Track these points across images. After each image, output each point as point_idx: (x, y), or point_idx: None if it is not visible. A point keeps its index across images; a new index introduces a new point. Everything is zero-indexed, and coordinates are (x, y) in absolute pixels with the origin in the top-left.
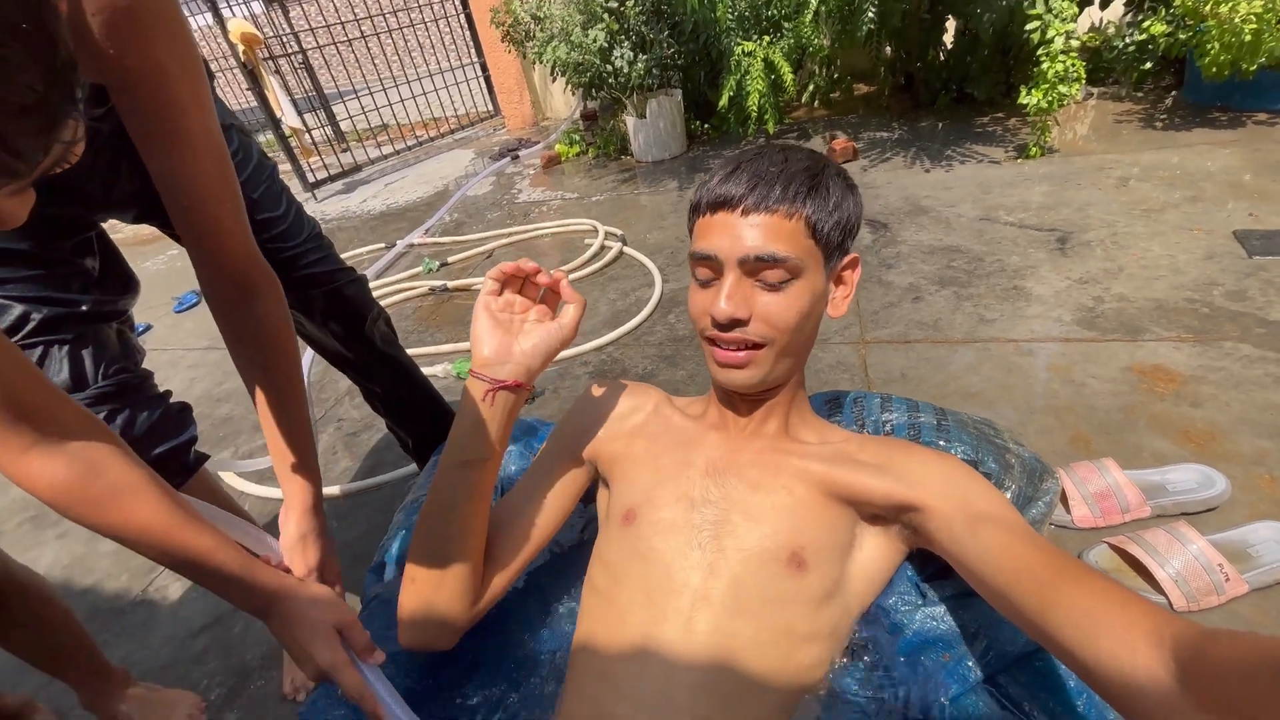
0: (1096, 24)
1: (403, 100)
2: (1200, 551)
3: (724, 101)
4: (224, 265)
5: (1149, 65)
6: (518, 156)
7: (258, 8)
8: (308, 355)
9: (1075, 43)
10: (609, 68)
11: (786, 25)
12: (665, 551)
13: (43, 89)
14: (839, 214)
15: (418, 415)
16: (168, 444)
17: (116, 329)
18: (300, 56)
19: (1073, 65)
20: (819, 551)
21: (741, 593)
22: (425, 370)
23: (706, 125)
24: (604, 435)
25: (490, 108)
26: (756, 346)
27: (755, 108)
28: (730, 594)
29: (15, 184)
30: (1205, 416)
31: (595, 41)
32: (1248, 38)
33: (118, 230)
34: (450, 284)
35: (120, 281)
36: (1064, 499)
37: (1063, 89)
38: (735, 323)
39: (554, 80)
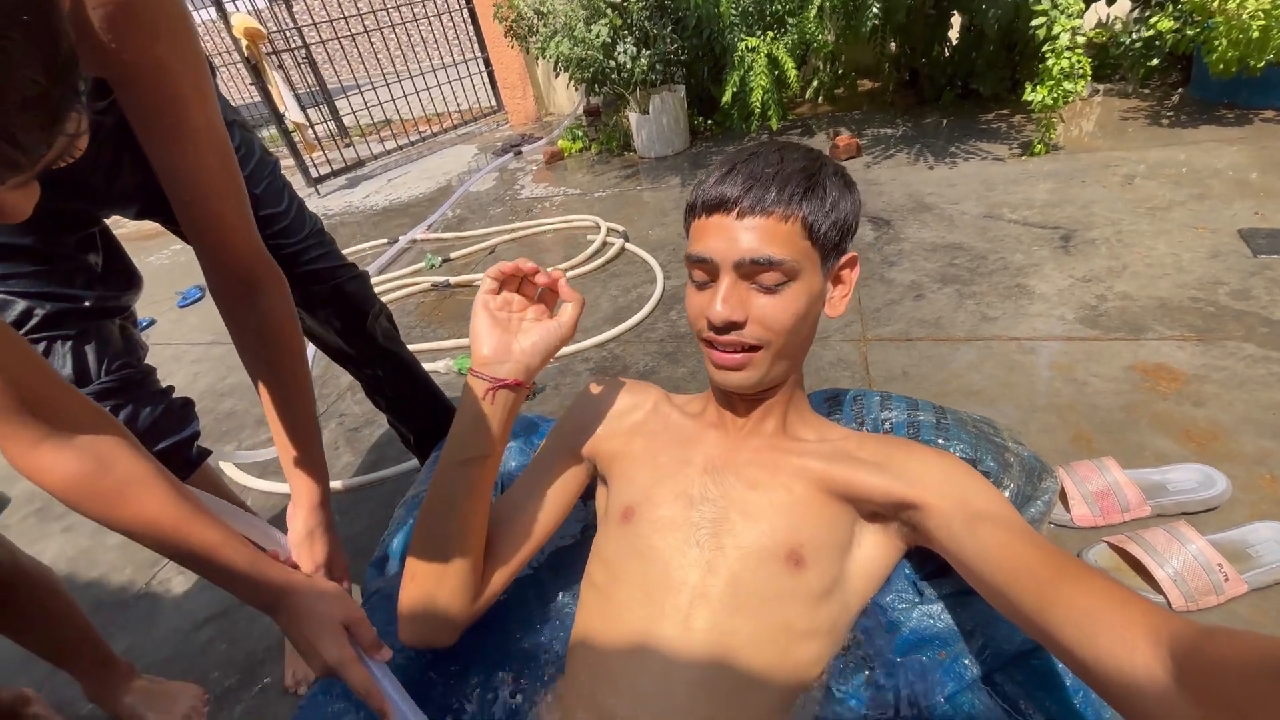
0: (1103, 20)
1: (406, 95)
2: (1199, 551)
3: (727, 97)
4: (228, 261)
5: (1156, 62)
6: (520, 152)
7: (261, 2)
8: (309, 351)
9: (1081, 39)
10: (612, 63)
11: (790, 20)
12: (663, 549)
13: (45, 81)
14: (836, 214)
15: (419, 411)
16: (170, 439)
17: (119, 324)
18: (303, 51)
19: (1078, 62)
20: (817, 549)
21: (740, 590)
22: (427, 366)
23: (710, 121)
24: (603, 433)
25: (493, 103)
26: (753, 349)
27: (759, 104)
28: (728, 591)
29: (18, 177)
30: (1208, 416)
31: (598, 37)
32: (1256, 34)
33: (121, 225)
34: (452, 280)
35: (123, 277)
36: (1064, 498)
37: (1068, 86)
38: (731, 326)
39: (557, 76)
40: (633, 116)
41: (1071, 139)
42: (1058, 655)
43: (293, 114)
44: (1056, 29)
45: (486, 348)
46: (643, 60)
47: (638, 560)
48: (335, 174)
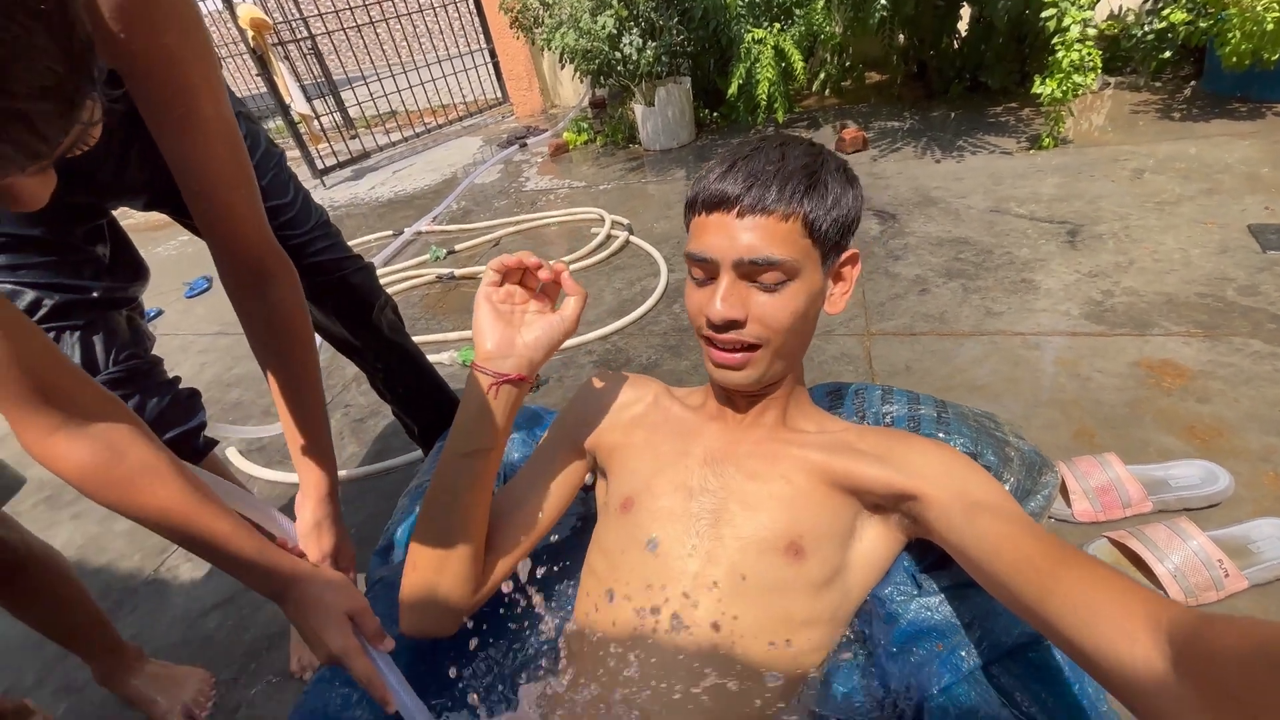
0: (1116, 11)
1: (411, 87)
2: (1200, 547)
3: (733, 90)
4: (238, 251)
5: (1168, 54)
6: (525, 144)
7: None
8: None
9: (1092, 31)
10: (618, 55)
11: (798, 12)
12: (663, 540)
13: (63, 69)
14: (837, 211)
15: (424, 403)
16: (177, 429)
17: (126, 315)
18: (309, 42)
19: (1089, 54)
20: (818, 540)
21: (739, 581)
22: (431, 357)
23: (715, 114)
24: (604, 425)
25: (499, 95)
26: (752, 347)
27: (765, 96)
28: (728, 582)
29: (37, 164)
30: (1212, 412)
31: (604, 28)
32: (1270, 27)
33: (129, 217)
34: (457, 272)
35: (130, 268)
36: (1065, 493)
37: (1078, 79)
38: (731, 324)
39: (562, 67)
40: (638, 109)
41: (1081, 132)
42: (1058, 644)
43: (298, 105)
44: (1067, 21)
45: (490, 342)
46: (648, 52)
47: (637, 550)
48: (341, 165)
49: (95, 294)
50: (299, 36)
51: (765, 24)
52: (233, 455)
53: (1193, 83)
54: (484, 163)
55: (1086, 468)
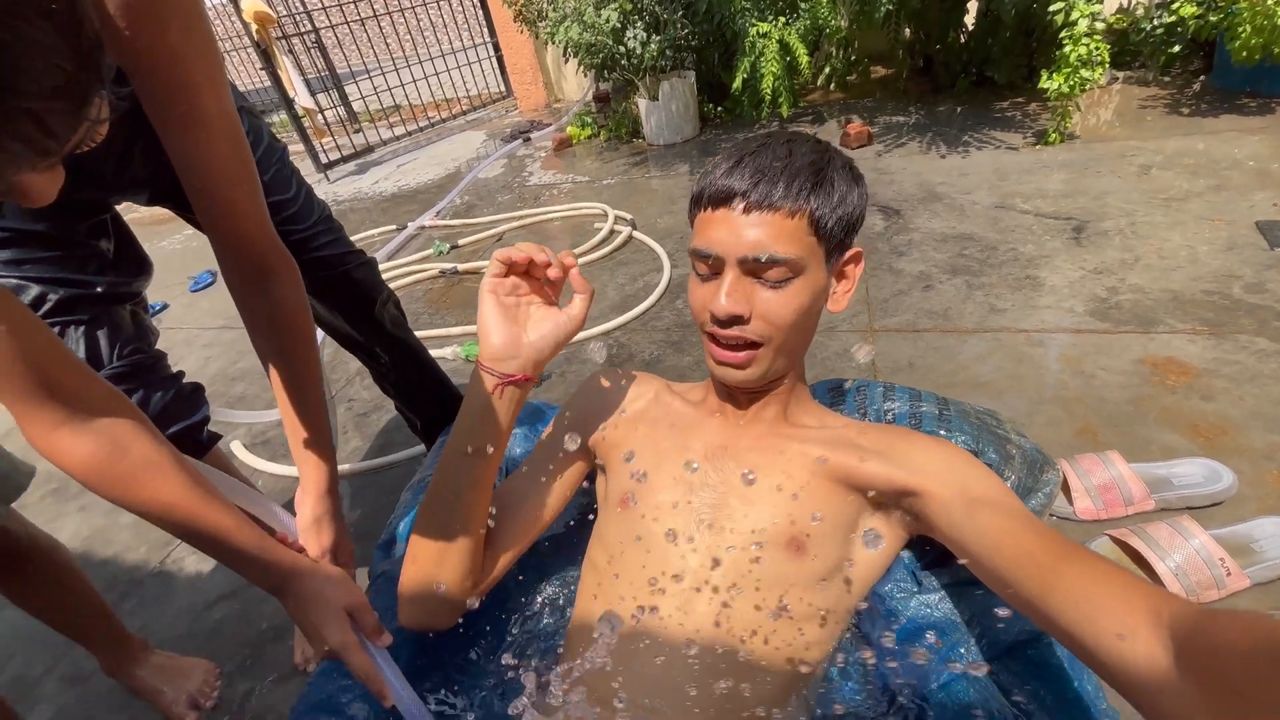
0: (1125, 4)
1: (415, 81)
2: (1202, 546)
3: (738, 84)
4: (241, 248)
5: (1177, 48)
6: (529, 139)
7: None
8: (319, 336)
9: (1101, 25)
10: (622, 49)
11: (803, 5)
12: (662, 534)
13: (72, 68)
14: (843, 209)
15: (426, 398)
16: (181, 424)
17: (130, 310)
18: (313, 35)
19: (1096, 49)
20: (819, 536)
21: (740, 575)
22: (435, 352)
23: (720, 108)
24: (605, 421)
25: (502, 89)
26: (755, 345)
27: (769, 90)
28: (729, 577)
29: (47, 161)
30: (1217, 410)
31: (608, 22)
32: None
33: (133, 210)
34: (460, 267)
35: (134, 263)
36: (1067, 490)
37: (1085, 73)
38: (735, 320)
39: (566, 61)
40: (642, 103)
41: (1088, 127)
42: (1060, 639)
43: (302, 99)
44: (1075, 15)
45: (496, 341)
46: (653, 46)
47: (637, 545)
48: (345, 160)
49: (99, 289)
50: (303, 30)
51: (770, 17)
52: (237, 449)
53: (1202, 77)
54: (488, 157)
55: (1089, 465)
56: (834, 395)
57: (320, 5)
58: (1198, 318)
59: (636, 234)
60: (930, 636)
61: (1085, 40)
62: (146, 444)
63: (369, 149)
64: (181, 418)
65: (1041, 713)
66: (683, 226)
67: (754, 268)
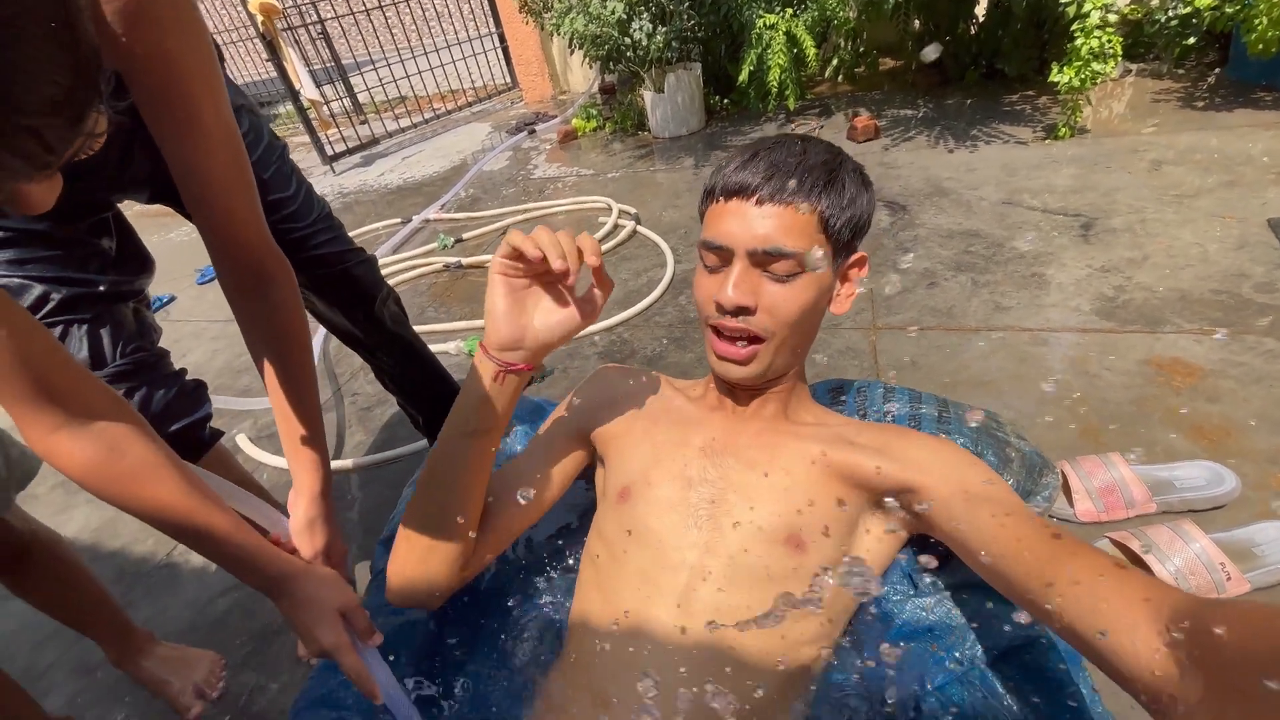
0: None
1: (420, 72)
2: (1203, 550)
3: (744, 76)
4: (238, 255)
5: (1192, 40)
6: (534, 131)
7: None
8: (321, 332)
9: (1114, 17)
10: (627, 40)
11: None
12: (660, 530)
13: (70, 83)
14: (852, 210)
15: (427, 394)
16: (183, 421)
17: (133, 308)
18: (319, 26)
19: (1109, 41)
20: (817, 532)
21: (738, 571)
22: (437, 347)
23: (726, 100)
24: (604, 415)
25: (508, 80)
26: (757, 340)
27: (776, 83)
28: (727, 573)
29: (44, 173)
30: (1221, 412)
31: (614, 13)
32: None
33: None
34: (464, 260)
35: (136, 261)
36: (1068, 492)
37: (1096, 67)
38: (741, 310)
39: (572, 53)
40: (647, 95)
41: (1099, 121)
42: (1060, 634)
43: (308, 90)
44: (1088, 6)
45: (503, 328)
46: (658, 37)
47: (635, 541)
48: (350, 151)
49: (102, 287)
50: (308, 21)
51: (777, 9)
52: (243, 442)
53: (1217, 70)
54: (492, 150)
55: (1090, 467)
56: (834, 395)
57: None
58: (1206, 317)
59: (640, 229)
60: (924, 639)
61: (1097, 33)
62: (144, 446)
63: (374, 141)
64: (184, 415)
65: (1037, 717)
66: (687, 222)
67: (763, 260)
